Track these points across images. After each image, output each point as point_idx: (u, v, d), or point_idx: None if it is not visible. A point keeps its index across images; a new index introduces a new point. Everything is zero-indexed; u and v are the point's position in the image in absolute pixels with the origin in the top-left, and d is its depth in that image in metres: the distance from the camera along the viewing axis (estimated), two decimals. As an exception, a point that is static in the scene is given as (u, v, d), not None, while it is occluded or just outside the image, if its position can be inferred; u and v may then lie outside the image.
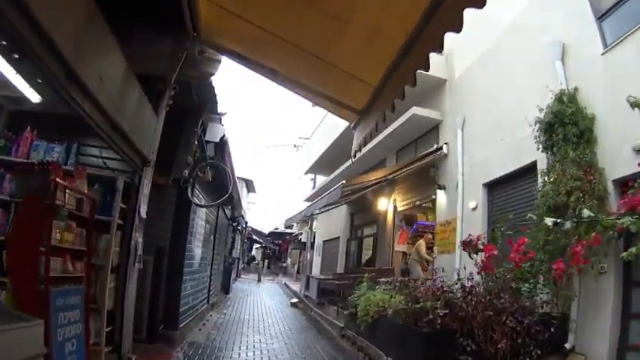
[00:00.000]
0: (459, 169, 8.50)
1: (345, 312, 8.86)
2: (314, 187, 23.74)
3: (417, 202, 11.60)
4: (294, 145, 28.57)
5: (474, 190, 8.09)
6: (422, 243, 10.82)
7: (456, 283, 5.73)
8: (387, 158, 13.18)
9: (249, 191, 36.80)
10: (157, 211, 6.17)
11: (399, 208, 12.55)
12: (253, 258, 48.02)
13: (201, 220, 8.01)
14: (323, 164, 19.19)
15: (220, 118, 6.93)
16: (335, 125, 15.58)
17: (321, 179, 22.06)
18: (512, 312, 4.79)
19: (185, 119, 6.48)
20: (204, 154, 6.67)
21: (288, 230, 44.19)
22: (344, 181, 9.57)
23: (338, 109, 4.51)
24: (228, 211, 13.83)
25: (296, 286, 21.09)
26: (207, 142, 6.72)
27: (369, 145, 12.31)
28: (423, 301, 5.50)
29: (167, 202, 6.49)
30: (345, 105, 4.26)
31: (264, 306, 13.18)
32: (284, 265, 43.66)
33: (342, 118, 4.73)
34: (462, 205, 8.31)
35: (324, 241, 21.92)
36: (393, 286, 7.46)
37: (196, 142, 6.42)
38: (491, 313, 4.80)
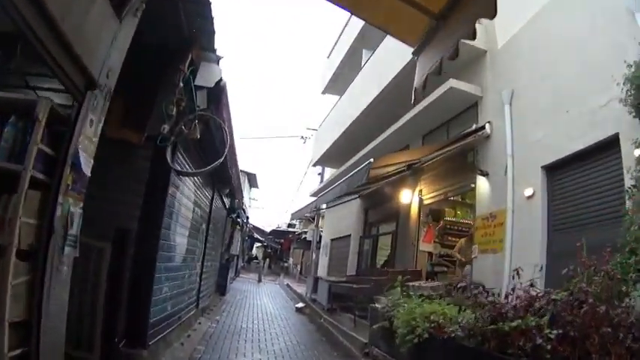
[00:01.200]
0: (507, 151, 7.01)
1: (372, 325, 6.95)
2: (321, 182, 21.88)
3: (450, 194, 9.98)
4: (301, 137, 26.68)
5: (529, 175, 6.58)
6: (462, 242, 8.98)
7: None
8: (411, 145, 11.33)
9: (251, 186, 34.91)
10: (120, 178, 4.35)
11: (426, 202, 10.67)
12: (255, 257, 46.20)
13: (187, 199, 6.13)
14: (333, 156, 17.41)
15: (218, 59, 5.03)
16: (348, 112, 13.89)
17: (328, 175, 20.27)
18: (628, 326, 3.19)
19: (168, 56, 4.57)
20: (193, 103, 4.76)
21: (291, 229, 42.67)
22: (371, 160, 7.70)
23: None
24: (226, 200, 11.95)
25: (300, 289, 19.18)
26: (198, 87, 4.80)
27: (391, 129, 10.54)
28: (514, 318, 3.61)
29: (137, 167, 4.62)
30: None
31: (265, 311, 11.27)
32: (286, 265, 42.06)
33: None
34: (513, 193, 6.80)
35: (332, 240, 20.04)
36: (438, 294, 5.60)
37: (182, 86, 4.52)
38: (609, 329, 3.11)
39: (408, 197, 10.96)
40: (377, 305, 7.43)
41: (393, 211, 12.12)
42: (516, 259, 6.02)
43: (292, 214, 14.66)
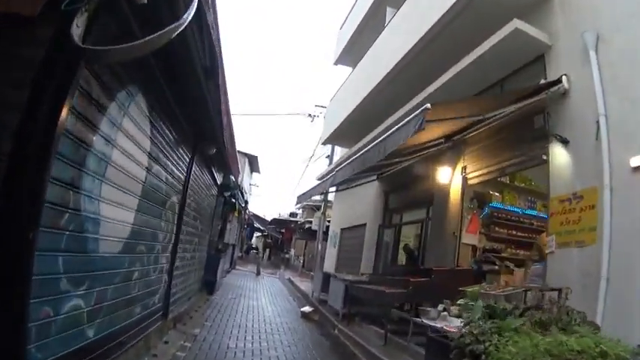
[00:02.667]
0: (598, 109, 5.27)
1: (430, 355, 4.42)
2: (330, 164, 19.27)
3: (509, 169, 7.71)
4: (309, 115, 24.07)
5: (635, 139, 4.84)
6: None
7: None
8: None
9: (252, 170, 32.28)
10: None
11: (471, 182, 8.29)
12: (254, 247, 43.84)
13: (130, 140, 3.49)
14: (345, 132, 14.92)
15: None
16: (367, 80, 11.57)
17: (339, 156, 17.71)
18: None
19: None
20: None
21: (293, 218, 40.25)
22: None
23: None
24: (218, 175, 9.37)
25: (304, 285, 16.67)
26: None
27: (428, 90, 8.14)
28: None
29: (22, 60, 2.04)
30: None
31: (263, 318, 8.70)
32: (287, 256, 39.82)
33: None
34: (610, 165, 5.03)
35: (342, 230, 17.48)
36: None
37: None
38: None
39: (447, 176, 8.62)
40: (430, 322, 5.12)
41: (424, 194, 9.75)
42: (619, 255, 4.51)
43: (298, 197, 12.08)
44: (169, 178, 5.10)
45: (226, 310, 8.63)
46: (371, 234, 13.39)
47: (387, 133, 6.15)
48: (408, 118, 5.67)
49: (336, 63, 19.13)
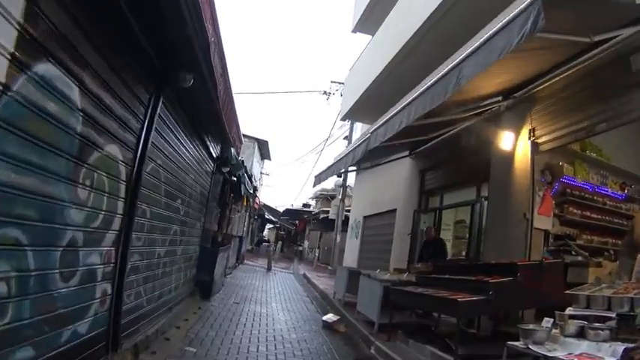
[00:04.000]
0: None
1: None
2: (349, 143, 16.95)
3: (593, 128, 5.62)
4: (324, 92, 21.69)
5: None
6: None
7: None
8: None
9: (262, 157, 30.00)
10: None
11: (543, 148, 6.35)
12: (266, 240, 41.82)
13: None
14: (368, 105, 12.41)
15: None
16: (392, 42, 9.25)
17: (359, 134, 15.39)
18: None
19: None
20: None
21: (306, 209, 38.15)
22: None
23: None
24: (213, 146, 7.13)
25: (321, 281, 14.42)
26: None
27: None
28: None
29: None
30: None
31: (273, 332, 6.44)
32: (300, 248, 37.80)
33: None
34: None
35: (365, 218, 15.22)
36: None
37: None
38: None
39: (508, 143, 6.62)
40: (539, 349, 2.92)
41: (475, 169, 7.88)
42: None
43: (317, 176, 9.82)
44: (96, 113, 2.81)
45: (223, 323, 6.36)
46: (403, 221, 11.18)
47: (469, 50, 3.79)
48: (508, 18, 3.37)
49: (354, 31, 16.73)
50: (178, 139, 5.15)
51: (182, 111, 5.00)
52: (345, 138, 20.86)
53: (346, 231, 18.39)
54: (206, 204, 7.67)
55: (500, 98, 6.56)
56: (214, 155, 7.73)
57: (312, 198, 42.72)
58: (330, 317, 7.92)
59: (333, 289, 10.67)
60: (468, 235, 8.81)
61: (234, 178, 9.18)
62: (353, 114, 14.97)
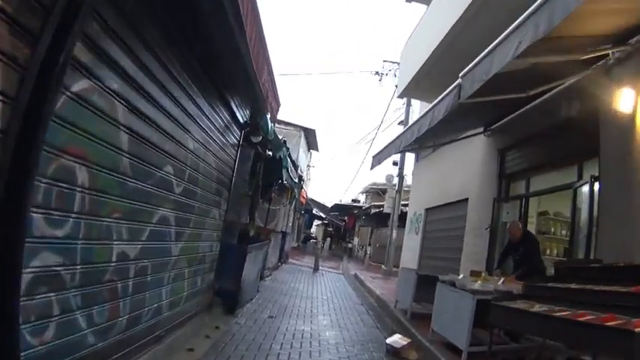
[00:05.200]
0: None
1: None
2: (406, 125, 14.70)
3: None
4: (376, 73, 19.49)
5: None
6: None
7: None
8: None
9: (309, 147, 28.09)
10: None
11: None
12: (313, 236, 40.12)
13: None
14: (428, 80, 10.31)
15: None
16: (451, 8, 7.69)
17: (417, 114, 13.14)
18: None
19: None
20: None
21: (356, 204, 36.07)
22: None
23: None
24: (236, 106, 5.19)
25: (377, 284, 12.28)
26: None
27: None
28: None
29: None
30: None
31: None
32: (349, 245, 35.78)
33: None
34: None
35: (427, 210, 12.95)
36: None
37: None
38: None
39: (627, 105, 4.73)
40: None
41: (577, 141, 6.13)
42: None
43: (375, 156, 7.75)
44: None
45: (247, 355, 4.39)
46: (478, 213, 9.12)
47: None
48: None
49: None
50: (180, 85, 3.23)
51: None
52: (400, 123, 18.59)
53: (403, 226, 16.18)
54: (229, 186, 5.73)
55: (609, 46, 4.72)
56: (240, 120, 5.77)
57: (362, 193, 40.74)
58: (396, 340, 5.79)
59: (395, 297, 8.53)
60: (568, 230, 6.98)
61: (269, 153, 7.11)
62: (411, 91, 12.88)
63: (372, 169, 8.71)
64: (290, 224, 19.40)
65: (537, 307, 4.37)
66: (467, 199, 9.87)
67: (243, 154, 6.20)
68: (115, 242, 2.76)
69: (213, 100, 4.50)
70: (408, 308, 7.35)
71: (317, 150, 29.14)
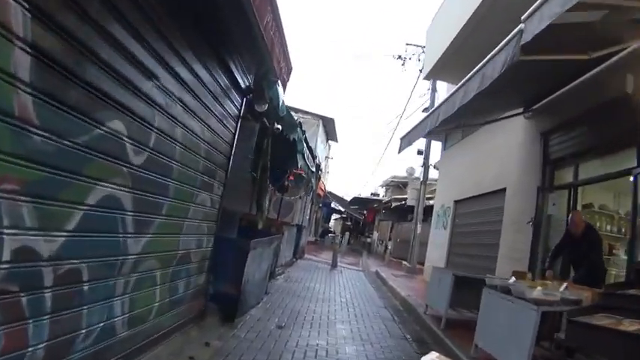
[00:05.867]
0: None
1: None
2: (431, 107, 13.41)
3: None
4: (399, 57, 18.18)
5: None
6: None
7: None
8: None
9: (328, 138, 26.90)
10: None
11: None
12: (331, 230, 39.09)
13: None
14: (455, 59, 9.40)
15: None
16: None
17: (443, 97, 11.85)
18: None
19: None
20: None
21: (375, 197, 34.88)
22: None
23: None
24: (238, 71, 4.06)
25: (398, 282, 11.13)
26: None
27: None
28: None
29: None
30: None
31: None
32: (368, 240, 34.60)
33: None
34: None
35: (457, 202, 11.72)
36: None
37: None
38: None
39: None
40: None
41: (636, 120, 4.96)
42: None
43: (402, 138, 6.52)
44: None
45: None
46: (518, 204, 8.15)
47: None
48: None
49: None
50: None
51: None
52: (425, 110, 17.26)
53: (427, 221, 14.93)
54: (226, 166, 4.61)
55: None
56: (241, 84, 4.64)
57: (382, 186, 39.51)
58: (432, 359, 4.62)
59: (424, 300, 7.34)
60: (614, 224, 6.81)
61: (277, 127, 5.86)
62: (437, 72, 11.93)
63: (400, 152, 7.53)
64: (307, 217, 18.29)
65: (629, 325, 3.26)
66: (504, 190, 8.74)
67: (246, 128, 5.08)
68: (9, 231, 1.67)
69: (197, 48, 3.38)
70: (443, 315, 6.17)
71: (336, 141, 27.92)
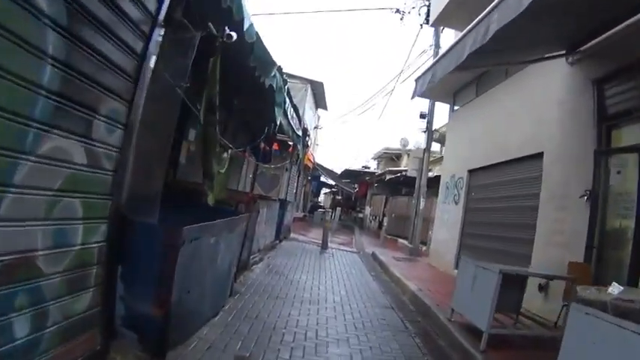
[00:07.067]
0: None
1: None
2: (436, 56, 11.36)
3: None
4: (397, 11, 15.89)
5: None
6: None
7: None
8: None
9: (317, 106, 24.69)
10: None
11: None
12: (320, 205, 37.37)
13: None
14: (469, 4, 7.77)
15: None
16: None
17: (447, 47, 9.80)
18: None
19: None
20: None
21: (367, 170, 33.00)
22: None
23: None
24: None
25: (400, 267, 9.30)
26: None
27: None
28: None
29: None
30: None
31: None
32: (360, 215, 32.89)
33: None
34: None
35: (471, 172, 9.80)
36: None
37: None
38: None
39: None
40: None
41: None
42: None
43: (417, 79, 4.58)
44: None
45: None
46: (563, 173, 6.31)
47: None
48: None
49: None
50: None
51: None
52: (423, 81, 15.11)
53: (430, 195, 13.05)
54: (130, 97, 2.56)
55: None
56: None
57: (374, 159, 37.60)
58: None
59: (451, 304, 5.40)
60: None
61: (231, 34, 3.53)
62: (445, 19, 10.10)
63: (413, 97, 5.62)
64: (294, 191, 16.31)
65: None
66: (540, 155, 6.88)
67: (176, 39, 3.00)
68: None
69: None
70: (485, 330, 4.26)
71: (325, 108, 25.71)
